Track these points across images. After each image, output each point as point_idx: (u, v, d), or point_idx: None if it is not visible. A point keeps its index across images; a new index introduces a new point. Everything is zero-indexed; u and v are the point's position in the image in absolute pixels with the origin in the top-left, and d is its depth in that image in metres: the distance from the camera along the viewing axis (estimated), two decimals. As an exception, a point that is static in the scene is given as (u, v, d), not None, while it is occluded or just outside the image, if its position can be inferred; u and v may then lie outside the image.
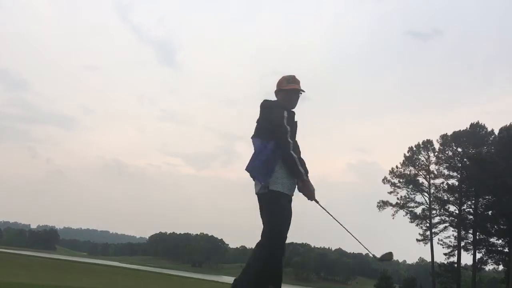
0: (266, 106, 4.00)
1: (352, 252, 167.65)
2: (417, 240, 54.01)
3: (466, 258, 53.67)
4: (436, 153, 53.75)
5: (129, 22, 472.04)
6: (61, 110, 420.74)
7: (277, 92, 4.09)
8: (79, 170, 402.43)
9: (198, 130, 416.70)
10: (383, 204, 54.51)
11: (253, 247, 3.92)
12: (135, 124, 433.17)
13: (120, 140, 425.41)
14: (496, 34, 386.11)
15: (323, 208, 3.94)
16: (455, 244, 51.82)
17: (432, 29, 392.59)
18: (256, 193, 3.89)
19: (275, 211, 3.76)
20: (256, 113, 4.03)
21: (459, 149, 52.03)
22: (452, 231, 52.52)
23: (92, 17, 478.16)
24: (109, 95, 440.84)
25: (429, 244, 53.29)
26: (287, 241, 3.90)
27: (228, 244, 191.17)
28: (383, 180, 55.34)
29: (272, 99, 4.09)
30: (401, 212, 54.64)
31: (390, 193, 54.80)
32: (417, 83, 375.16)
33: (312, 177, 3.99)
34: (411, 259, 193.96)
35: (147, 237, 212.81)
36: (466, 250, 50.71)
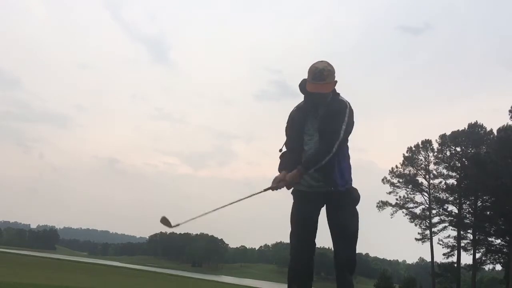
0: None
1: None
2: (416, 239, 54.12)
3: (466, 258, 53.78)
4: (435, 153, 53.86)
5: (122, 20, 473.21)
6: (56, 110, 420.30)
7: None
8: (79, 170, 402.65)
9: (194, 129, 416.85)
10: (382, 205, 54.55)
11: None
12: (131, 123, 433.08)
13: (117, 139, 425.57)
14: (491, 32, 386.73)
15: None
16: (454, 244, 51.87)
17: (424, 23, 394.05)
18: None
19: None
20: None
21: (458, 149, 52.13)
22: (452, 230, 52.64)
23: (85, 16, 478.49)
24: (104, 93, 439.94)
25: (428, 243, 53.36)
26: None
27: (228, 244, 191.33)
28: (382, 180, 55.45)
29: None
30: (400, 212, 54.77)
31: (389, 193, 54.90)
32: (412, 81, 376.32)
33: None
34: (411, 259, 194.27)
35: (147, 237, 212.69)
36: (466, 250, 50.77)
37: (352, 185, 3.68)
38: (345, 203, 3.61)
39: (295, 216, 3.70)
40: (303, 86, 3.64)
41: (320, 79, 3.49)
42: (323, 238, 3.77)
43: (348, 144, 3.73)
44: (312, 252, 3.71)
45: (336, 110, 3.55)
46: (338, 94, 3.65)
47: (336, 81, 3.59)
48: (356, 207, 3.68)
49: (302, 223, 3.66)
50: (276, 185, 3.51)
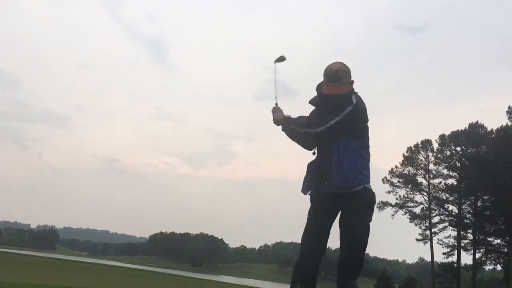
0: None
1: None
2: (417, 240, 54.14)
3: (466, 258, 53.82)
4: (435, 153, 53.85)
5: (122, 20, 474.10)
6: (56, 110, 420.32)
7: None
8: (79, 170, 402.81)
9: (194, 129, 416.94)
10: (382, 205, 54.50)
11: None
12: (131, 123, 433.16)
13: (117, 139, 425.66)
14: (491, 32, 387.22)
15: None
16: (454, 244, 51.88)
17: (424, 23, 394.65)
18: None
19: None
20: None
21: (458, 149, 52.12)
22: (452, 230, 52.67)
23: (85, 16, 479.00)
24: (104, 93, 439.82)
25: (428, 243, 53.36)
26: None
27: (228, 244, 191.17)
28: (383, 179, 55.45)
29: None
30: (400, 212, 54.76)
31: (388, 192, 54.93)
32: (412, 81, 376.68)
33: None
34: (411, 259, 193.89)
35: (147, 237, 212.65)
36: (466, 250, 50.80)
37: (364, 187, 3.53)
38: (357, 206, 3.48)
39: (308, 217, 3.68)
40: (319, 89, 3.59)
41: (335, 81, 3.43)
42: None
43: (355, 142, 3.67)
44: (318, 255, 3.63)
45: (340, 105, 3.44)
46: (356, 93, 3.55)
47: (352, 81, 3.51)
48: (371, 212, 3.55)
49: (312, 226, 3.62)
50: (274, 113, 3.71)
